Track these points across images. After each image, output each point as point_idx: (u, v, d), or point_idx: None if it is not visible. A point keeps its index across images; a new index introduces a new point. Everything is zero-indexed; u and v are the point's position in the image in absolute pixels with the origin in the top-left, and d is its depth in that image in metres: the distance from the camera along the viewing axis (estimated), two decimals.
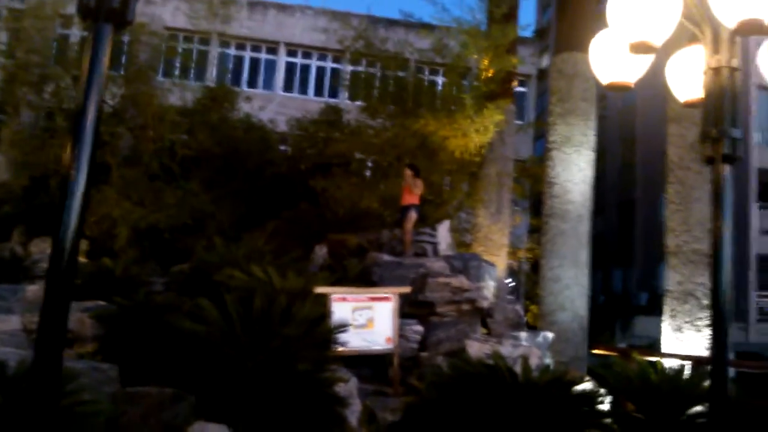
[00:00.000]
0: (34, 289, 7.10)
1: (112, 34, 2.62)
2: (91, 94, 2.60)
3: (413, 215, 10.63)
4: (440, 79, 16.45)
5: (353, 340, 6.88)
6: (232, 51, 25.62)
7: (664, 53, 4.46)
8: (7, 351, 4.91)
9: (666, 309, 9.56)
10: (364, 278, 9.28)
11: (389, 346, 7.21)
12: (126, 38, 13.43)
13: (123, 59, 13.77)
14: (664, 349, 9.28)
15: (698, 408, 5.72)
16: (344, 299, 7.17)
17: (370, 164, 15.56)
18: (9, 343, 5.41)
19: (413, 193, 10.73)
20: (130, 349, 5.81)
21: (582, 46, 10.84)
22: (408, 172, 10.97)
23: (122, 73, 13.43)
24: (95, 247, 11.51)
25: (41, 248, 11.03)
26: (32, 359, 2.61)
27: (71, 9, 13.29)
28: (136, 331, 5.98)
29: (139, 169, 12.22)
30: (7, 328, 5.75)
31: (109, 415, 4.45)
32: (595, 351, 10.14)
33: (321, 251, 10.77)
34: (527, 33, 18.65)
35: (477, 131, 12.60)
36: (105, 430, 4.13)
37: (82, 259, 10.04)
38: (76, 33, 15.44)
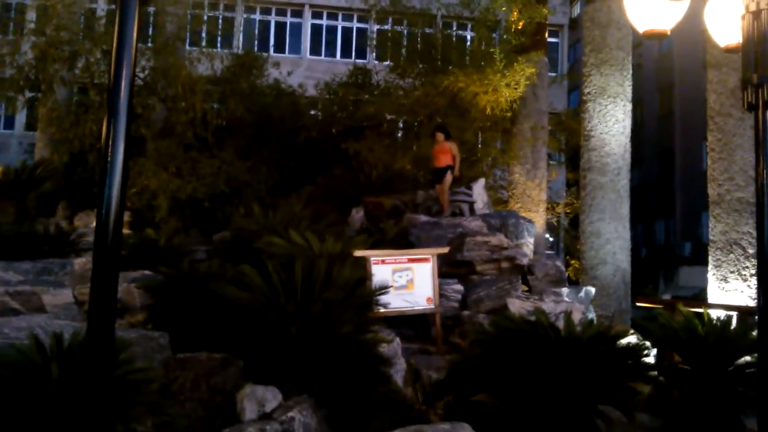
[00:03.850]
0: (81, 262, 7.29)
1: (137, 8, 2.61)
2: (122, 69, 2.61)
3: (449, 177, 10.60)
4: (469, 34, 16.17)
5: (394, 301, 6.93)
6: (257, 16, 25.47)
7: None
8: (61, 323, 5.06)
9: (710, 259, 9.40)
10: (402, 240, 9.31)
11: (430, 305, 7.25)
12: (151, 9, 13.43)
13: (150, 31, 13.79)
14: (709, 299, 9.14)
15: (747, 358, 5.64)
16: (383, 261, 7.20)
17: (401, 125, 15.46)
18: (63, 315, 5.59)
19: (447, 154, 10.67)
20: (178, 316, 5.94)
21: None
22: (440, 135, 10.87)
23: (150, 45, 13.46)
24: (138, 218, 11.75)
25: (85, 222, 11.30)
26: (86, 330, 2.68)
27: None
28: (183, 299, 6.11)
29: (174, 140, 12.34)
30: (59, 302, 5.93)
31: (161, 381, 4.58)
32: (639, 304, 10.05)
33: (358, 214, 10.81)
34: None
35: (508, 86, 12.38)
36: (158, 396, 4.25)
37: (125, 231, 10.26)
38: (102, 7, 15.50)
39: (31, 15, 14.63)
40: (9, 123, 23.77)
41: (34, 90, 13.48)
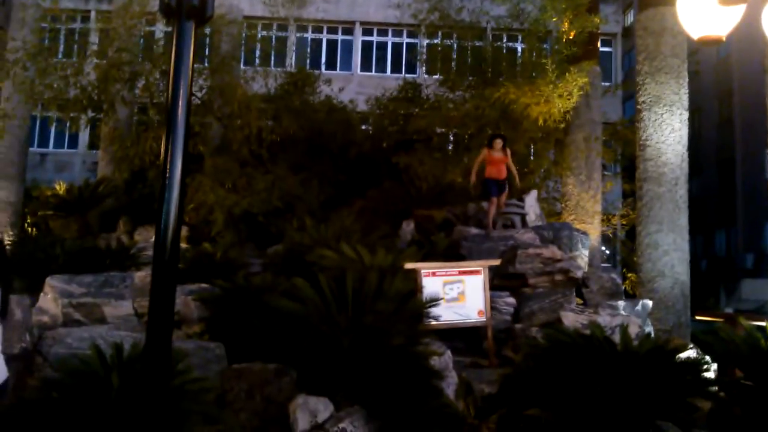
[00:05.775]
0: (141, 275, 7.52)
1: (194, 30, 2.70)
2: (180, 89, 2.71)
3: (507, 190, 10.48)
4: (519, 46, 16.07)
5: (445, 314, 6.91)
6: (309, 35, 25.90)
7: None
8: (121, 334, 5.24)
9: None
10: (453, 252, 9.28)
11: (482, 318, 7.19)
12: (207, 30, 13.83)
13: (206, 51, 14.20)
14: None
15: None
16: (434, 274, 7.19)
17: (451, 138, 15.44)
18: (123, 327, 5.78)
19: (504, 165, 10.38)
20: (234, 328, 6.07)
21: (668, 0, 10.28)
22: (499, 143, 10.39)
23: (206, 64, 13.86)
24: (195, 233, 12.06)
25: (145, 236, 11.66)
26: (145, 341, 2.78)
27: (155, 5, 13.81)
28: (238, 311, 6.24)
29: (230, 156, 12.63)
30: (120, 313, 6.14)
31: (217, 391, 4.69)
32: (699, 317, 9.72)
33: (408, 227, 10.82)
34: None
35: (560, 96, 12.23)
36: (214, 406, 4.35)
37: (183, 245, 10.55)
38: (161, 29, 16.05)
39: (94, 38, 15.27)
40: (73, 142, 24.75)
41: (97, 110, 14.01)
